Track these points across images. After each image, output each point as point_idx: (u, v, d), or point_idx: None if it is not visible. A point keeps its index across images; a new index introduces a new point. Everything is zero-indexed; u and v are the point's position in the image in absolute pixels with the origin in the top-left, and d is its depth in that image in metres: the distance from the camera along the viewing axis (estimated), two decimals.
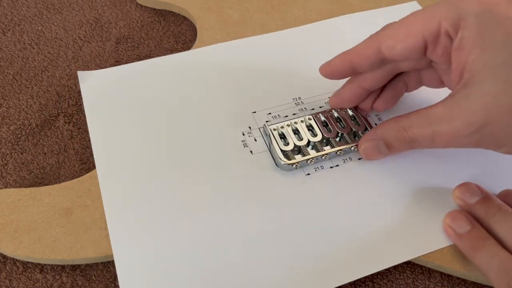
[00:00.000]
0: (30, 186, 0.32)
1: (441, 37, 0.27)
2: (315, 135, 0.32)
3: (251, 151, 0.32)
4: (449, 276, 0.29)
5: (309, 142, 0.31)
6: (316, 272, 0.27)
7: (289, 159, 0.31)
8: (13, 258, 0.29)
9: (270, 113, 0.34)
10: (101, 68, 0.38)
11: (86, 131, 0.34)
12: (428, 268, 0.29)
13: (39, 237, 0.28)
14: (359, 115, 0.33)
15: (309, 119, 0.32)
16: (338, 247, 0.28)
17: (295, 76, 0.37)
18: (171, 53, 0.39)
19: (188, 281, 0.26)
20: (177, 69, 0.37)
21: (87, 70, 0.38)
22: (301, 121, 0.32)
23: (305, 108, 0.35)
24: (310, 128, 0.32)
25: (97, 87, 0.35)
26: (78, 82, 0.37)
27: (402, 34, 0.28)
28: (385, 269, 0.28)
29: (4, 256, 0.29)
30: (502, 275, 0.25)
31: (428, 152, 0.32)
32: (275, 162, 0.31)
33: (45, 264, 0.29)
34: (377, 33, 0.29)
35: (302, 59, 0.38)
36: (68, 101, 0.36)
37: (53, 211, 0.29)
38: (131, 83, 0.36)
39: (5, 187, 0.32)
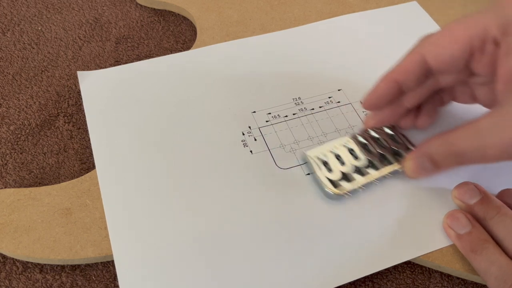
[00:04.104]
0: (29, 186, 0.32)
1: (487, 44, 0.26)
2: (355, 157, 0.30)
3: (251, 151, 0.32)
4: (449, 276, 0.29)
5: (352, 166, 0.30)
6: (316, 272, 0.27)
7: (335, 186, 0.29)
8: (12, 258, 0.29)
9: (270, 113, 0.34)
10: (101, 68, 0.38)
11: (86, 131, 0.34)
12: (428, 268, 0.29)
13: (38, 237, 0.28)
14: (397, 132, 0.32)
15: (349, 142, 0.31)
16: (338, 247, 0.28)
17: (295, 76, 0.37)
18: (171, 53, 0.39)
19: (188, 281, 0.26)
20: (177, 69, 0.37)
21: (87, 70, 0.38)
22: (342, 146, 0.31)
23: (304, 108, 0.35)
24: (351, 151, 0.31)
25: (97, 87, 0.35)
26: (78, 82, 0.37)
27: (447, 41, 0.27)
28: (385, 269, 0.28)
29: (4, 256, 0.29)
30: (500, 282, 0.25)
31: None
32: (320, 190, 0.30)
33: (45, 264, 0.29)
34: (417, 45, 0.28)
35: (302, 59, 0.38)
36: (68, 101, 0.36)
37: (53, 211, 0.29)
38: (131, 83, 0.36)
39: (5, 187, 0.31)
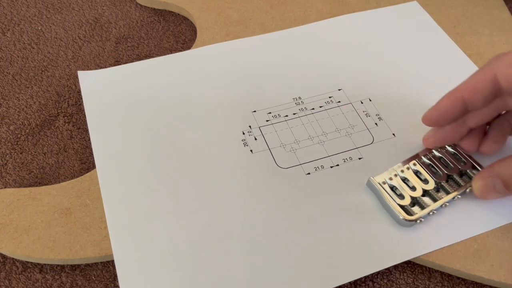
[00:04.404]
0: (29, 186, 0.32)
1: None
2: (422, 180, 0.30)
3: (251, 150, 0.32)
4: (449, 276, 0.29)
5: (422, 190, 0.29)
6: (316, 272, 0.27)
7: (409, 213, 0.28)
8: (12, 258, 0.29)
9: (270, 113, 0.34)
10: (101, 68, 0.38)
11: (86, 131, 0.34)
12: (428, 268, 0.29)
13: (38, 237, 0.28)
14: (460, 152, 0.31)
15: (414, 164, 0.30)
16: (338, 246, 0.28)
17: (295, 76, 0.37)
18: (171, 53, 0.39)
19: (188, 280, 0.26)
20: (177, 69, 0.37)
21: (87, 70, 0.38)
22: (407, 168, 0.30)
23: (305, 107, 0.35)
24: (417, 173, 0.30)
25: (97, 87, 0.35)
26: (78, 82, 0.37)
27: None
28: (385, 269, 0.28)
29: (3, 256, 0.29)
30: None
31: None
32: (392, 216, 0.29)
33: (45, 264, 0.28)
34: (488, 64, 0.27)
35: (302, 59, 0.38)
36: (68, 101, 0.36)
37: (53, 211, 0.29)
38: (131, 83, 0.36)
39: (5, 187, 0.31)
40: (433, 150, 0.31)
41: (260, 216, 0.29)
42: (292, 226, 0.29)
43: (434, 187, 0.29)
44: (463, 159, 0.31)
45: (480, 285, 0.28)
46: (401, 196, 0.29)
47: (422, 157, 0.31)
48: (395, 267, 0.29)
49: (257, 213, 0.29)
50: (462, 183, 0.30)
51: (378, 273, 0.28)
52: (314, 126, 0.33)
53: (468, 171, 0.30)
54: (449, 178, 0.30)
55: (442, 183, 0.29)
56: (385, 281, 0.28)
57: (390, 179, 0.30)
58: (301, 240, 0.28)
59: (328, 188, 0.30)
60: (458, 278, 0.29)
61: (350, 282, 0.28)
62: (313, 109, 0.34)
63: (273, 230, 0.28)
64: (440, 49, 0.39)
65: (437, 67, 0.37)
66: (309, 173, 0.31)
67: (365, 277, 0.28)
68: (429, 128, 0.31)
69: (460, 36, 0.40)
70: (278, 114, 0.34)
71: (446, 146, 0.31)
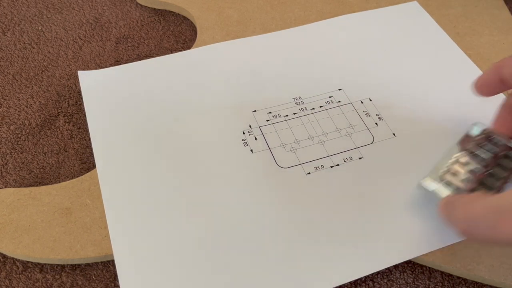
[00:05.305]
0: (30, 185, 0.32)
1: None
2: (473, 171, 0.28)
3: (251, 150, 0.32)
4: (449, 275, 0.29)
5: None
6: (316, 271, 0.27)
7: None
8: (12, 258, 0.29)
9: (270, 112, 0.34)
10: (101, 67, 0.38)
11: (86, 131, 0.34)
12: (429, 268, 0.29)
13: (38, 237, 0.28)
14: (491, 134, 0.29)
15: (459, 156, 0.29)
16: (337, 246, 0.28)
17: (296, 75, 0.37)
18: (171, 52, 0.39)
19: (189, 280, 0.26)
20: (177, 69, 0.37)
21: (87, 70, 0.38)
22: (453, 163, 0.28)
23: (305, 107, 0.35)
24: (465, 165, 0.28)
25: (97, 87, 0.35)
26: (78, 82, 0.37)
27: None
28: (386, 269, 0.28)
29: (3, 256, 0.29)
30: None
31: (427, 151, 0.32)
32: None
33: (45, 264, 0.28)
34: None
35: (302, 58, 0.38)
36: (68, 101, 0.36)
37: (53, 211, 0.29)
38: (131, 83, 0.36)
39: (5, 187, 0.31)
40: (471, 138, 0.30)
41: (260, 215, 0.29)
42: (292, 226, 0.29)
43: (486, 175, 0.28)
44: (498, 142, 0.29)
45: (481, 284, 0.28)
46: (459, 190, 0.27)
47: (467, 147, 0.29)
48: (395, 266, 0.29)
49: (257, 212, 0.29)
50: (509, 167, 0.28)
51: (378, 273, 0.28)
52: (314, 126, 0.34)
53: (509, 153, 0.29)
54: (498, 165, 0.28)
55: (494, 170, 0.28)
56: (385, 281, 0.28)
57: (440, 178, 0.28)
58: (301, 240, 0.28)
59: (328, 188, 0.30)
60: (459, 277, 0.29)
61: (350, 282, 0.28)
62: (313, 109, 0.34)
63: (273, 229, 0.28)
64: (440, 49, 0.39)
65: (437, 67, 0.37)
66: (309, 173, 0.31)
67: (365, 277, 0.28)
68: (427, 126, 0.31)
69: (460, 36, 0.40)
70: (278, 114, 0.34)
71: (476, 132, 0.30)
